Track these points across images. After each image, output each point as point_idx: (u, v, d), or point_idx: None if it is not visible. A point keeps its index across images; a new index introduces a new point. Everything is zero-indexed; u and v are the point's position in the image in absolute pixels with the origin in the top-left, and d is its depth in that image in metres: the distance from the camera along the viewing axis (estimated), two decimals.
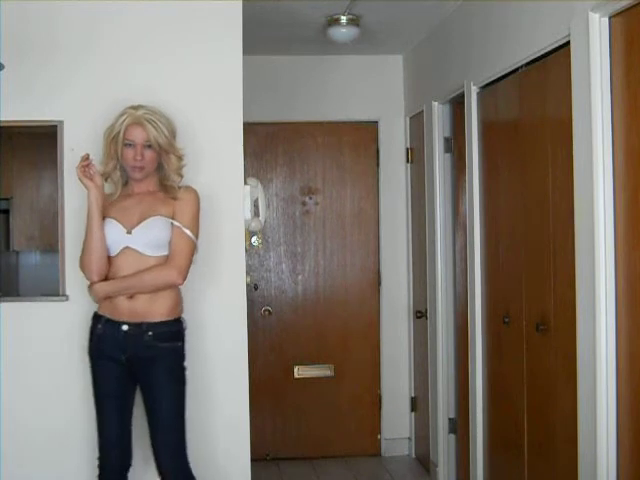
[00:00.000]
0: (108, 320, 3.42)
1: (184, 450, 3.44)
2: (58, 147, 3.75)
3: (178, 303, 3.49)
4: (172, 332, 3.46)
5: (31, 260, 5.25)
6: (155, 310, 3.41)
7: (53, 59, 3.75)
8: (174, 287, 3.44)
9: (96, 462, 3.51)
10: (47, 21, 3.77)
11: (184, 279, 3.42)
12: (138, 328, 3.39)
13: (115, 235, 3.40)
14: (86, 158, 3.40)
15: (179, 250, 3.41)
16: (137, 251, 3.39)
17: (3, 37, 3.62)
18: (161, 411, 3.41)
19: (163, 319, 3.42)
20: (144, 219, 3.41)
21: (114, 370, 3.42)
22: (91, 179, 3.39)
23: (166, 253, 3.42)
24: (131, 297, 3.39)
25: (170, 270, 3.38)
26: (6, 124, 3.74)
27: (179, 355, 3.47)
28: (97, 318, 3.47)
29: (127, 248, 3.40)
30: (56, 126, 3.76)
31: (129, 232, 3.40)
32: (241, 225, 3.88)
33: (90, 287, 3.47)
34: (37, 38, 3.75)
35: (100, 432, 3.47)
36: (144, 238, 3.39)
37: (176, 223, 3.41)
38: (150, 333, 3.39)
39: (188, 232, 3.42)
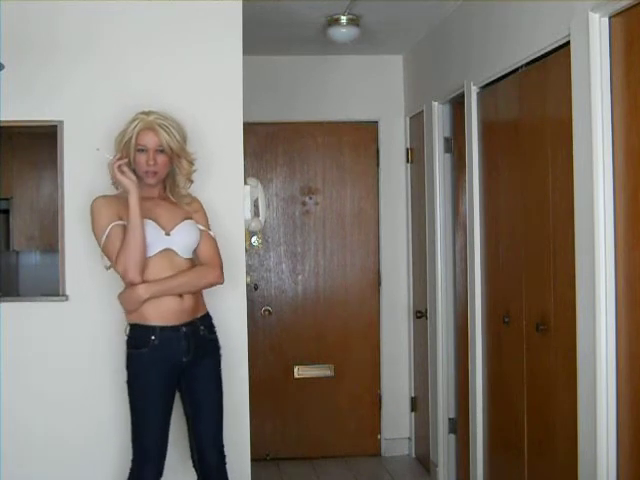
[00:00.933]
0: (163, 328, 3.34)
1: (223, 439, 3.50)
2: (58, 147, 3.75)
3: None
4: (212, 323, 3.52)
5: (31, 260, 5.25)
6: (199, 305, 3.46)
7: (53, 59, 3.75)
8: (217, 285, 3.49)
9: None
10: (47, 21, 3.77)
11: (224, 277, 3.50)
12: (194, 326, 3.41)
13: (154, 236, 3.36)
14: (120, 157, 3.35)
15: (214, 252, 3.50)
16: (175, 253, 3.39)
17: (3, 37, 3.62)
18: (211, 402, 3.45)
19: (204, 312, 3.49)
20: (177, 222, 3.43)
21: (168, 380, 3.38)
22: (129, 178, 3.32)
23: (192, 256, 3.47)
24: (181, 297, 3.38)
25: (215, 271, 3.46)
26: (6, 124, 3.74)
27: (219, 343, 3.54)
28: (147, 330, 3.33)
29: (166, 250, 3.38)
30: (56, 126, 3.76)
31: (167, 234, 3.39)
32: (241, 225, 3.88)
33: (130, 289, 3.32)
34: (37, 38, 3.75)
35: (141, 444, 3.35)
36: (184, 240, 3.42)
37: (201, 227, 3.49)
38: (202, 327, 3.44)
39: (213, 234, 3.52)
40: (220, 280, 3.48)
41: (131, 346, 3.38)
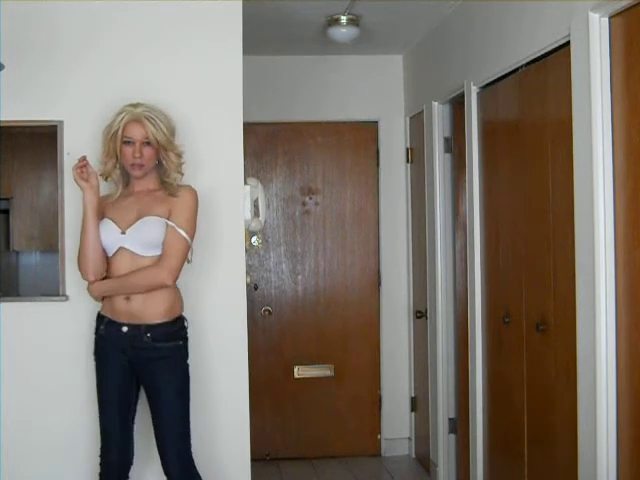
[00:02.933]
0: (109, 321, 3.45)
1: (189, 449, 3.45)
2: (58, 147, 3.75)
3: (175, 304, 3.47)
4: (170, 332, 3.44)
5: (31, 260, 5.24)
6: (151, 312, 3.40)
7: (53, 59, 3.75)
8: (165, 287, 3.39)
9: (98, 460, 3.51)
10: (47, 21, 3.76)
11: (174, 280, 3.40)
12: (137, 329, 3.40)
13: (110, 236, 3.41)
14: (83, 159, 3.40)
15: (172, 251, 3.38)
16: (131, 251, 3.40)
17: (3, 37, 3.62)
18: (165, 411, 3.43)
19: (160, 321, 3.42)
20: (139, 219, 3.41)
21: (117, 370, 3.44)
22: (87, 180, 3.39)
23: (159, 253, 3.42)
24: (127, 298, 3.40)
25: (160, 270, 3.36)
26: (6, 124, 3.74)
27: (180, 354, 3.47)
28: (100, 319, 3.50)
29: (122, 248, 3.41)
30: (56, 126, 3.76)
31: (123, 232, 3.41)
32: (241, 225, 3.88)
33: (87, 287, 3.51)
34: (37, 38, 3.75)
35: (103, 431, 3.47)
36: (138, 238, 3.39)
37: (170, 223, 3.38)
38: (148, 335, 3.40)
39: (182, 232, 3.38)
40: (165, 281, 3.35)
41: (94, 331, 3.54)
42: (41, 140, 4.15)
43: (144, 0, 3.80)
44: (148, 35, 3.82)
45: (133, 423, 3.51)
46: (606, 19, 3.08)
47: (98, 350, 3.50)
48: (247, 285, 3.95)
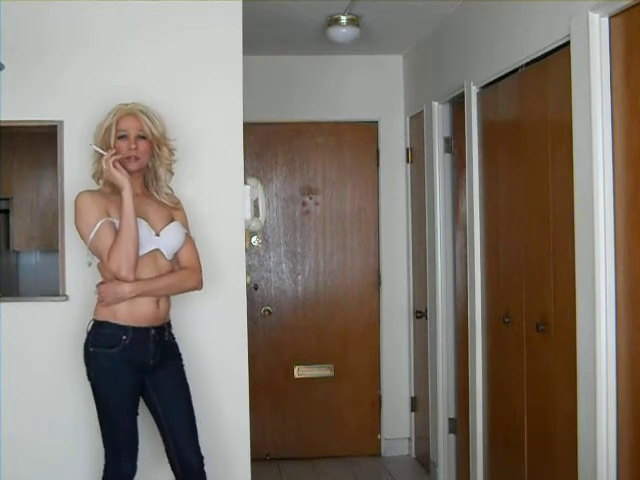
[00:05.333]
0: (135, 328, 3.30)
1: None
2: (58, 147, 3.76)
3: None
4: (171, 330, 3.51)
5: (31, 260, 5.24)
6: (168, 311, 3.46)
7: (53, 59, 3.75)
8: (195, 290, 3.49)
9: (98, 468, 3.48)
10: (47, 21, 3.77)
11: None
12: (161, 330, 3.40)
13: (145, 236, 3.30)
14: (116, 152, 3.29)
15: (195, 256, 3.48)
16: (162, 254, 3.37)
17: (3, 37, 3.63)
18: (186, 407, 3.44)
19: (169, 318, 3.49)
20: (165, 223, 3.40)
21: (135, 380, 3.35)
22: (122, 173, 3.26)
23: (173, 258, 3.44)
24: (158, 301, 3.35)
25: (196, 275, 3.46)
26: (6, 124, 3.74)
27: (180, 352, 3.53)
28: (119, 329, 3.28)
29: (154, 250, 3.35)
30: (56, 126, 3.76)
31: (157, 234, 3.36)
32: (241, 225, 3.88)
33: (115, 284, 3.26)
34: (37, 38, 3.75)
35: (115, 443, 3.34)
36: (171, 242, 3.39)
37: (186, 231, 3.47)
38: (167, 332, 3.44)
39: (193, 237, 3.50)
40: (200, 286, 3.48)
41: (98, 345, 3.29)
42: (41, 140, 4.15)
43: (144, 0, 3.81)
44: (148, 35, 3.82)
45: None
46: (606, 19, 3.08)
47: (116, 364, 3.27)
48: (247, 285, 3.95)
